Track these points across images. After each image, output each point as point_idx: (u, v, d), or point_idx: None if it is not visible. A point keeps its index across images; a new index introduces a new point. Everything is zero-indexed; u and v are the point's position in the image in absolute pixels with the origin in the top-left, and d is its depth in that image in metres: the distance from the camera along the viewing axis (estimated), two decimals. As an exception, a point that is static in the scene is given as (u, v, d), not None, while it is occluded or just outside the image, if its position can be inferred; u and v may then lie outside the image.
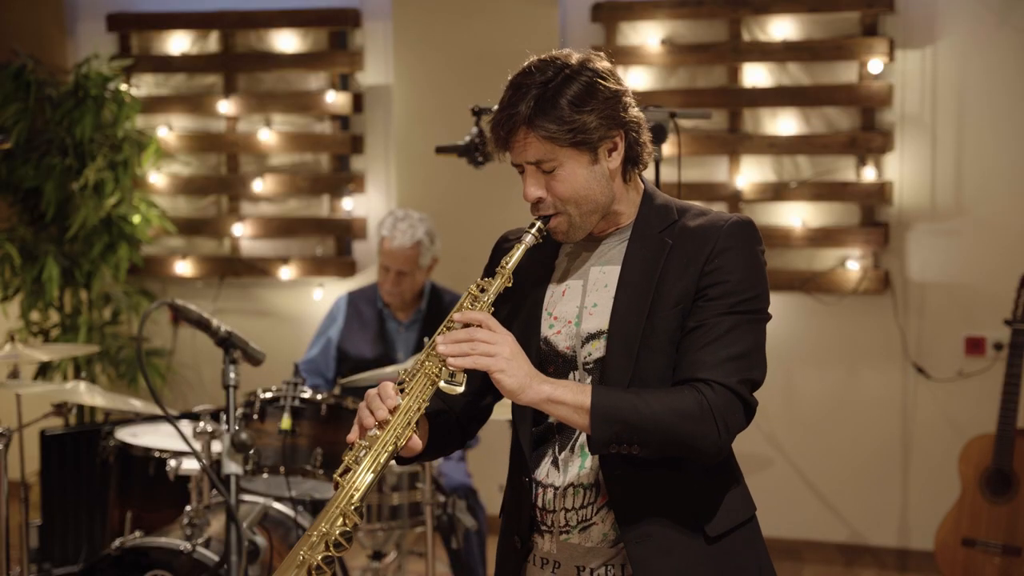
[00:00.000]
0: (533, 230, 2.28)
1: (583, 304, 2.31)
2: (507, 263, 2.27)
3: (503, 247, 2.42)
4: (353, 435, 2.20)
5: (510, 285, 2.27)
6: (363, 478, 2.15)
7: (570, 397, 2.16)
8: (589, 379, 2.28)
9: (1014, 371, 4.69)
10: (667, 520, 2.25)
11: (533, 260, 2.33)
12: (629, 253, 2.30)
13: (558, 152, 2.22)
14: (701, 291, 2.23)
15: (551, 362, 2.32)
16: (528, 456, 2.34)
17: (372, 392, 2.20)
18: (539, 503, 2.33)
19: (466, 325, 2.19)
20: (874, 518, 5.48)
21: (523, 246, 2.27)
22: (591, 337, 2.28)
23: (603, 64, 2.27)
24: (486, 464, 5.12)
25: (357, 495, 2.14)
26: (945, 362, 5.32)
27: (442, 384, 2.17)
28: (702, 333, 2.21)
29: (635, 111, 2.29)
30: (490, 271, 2.42)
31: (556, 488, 2.30)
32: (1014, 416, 4.70)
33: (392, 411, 2.17)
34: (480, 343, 2.14)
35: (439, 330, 2.23)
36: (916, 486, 5.41)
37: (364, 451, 2.16)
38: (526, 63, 2.27)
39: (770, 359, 2.30)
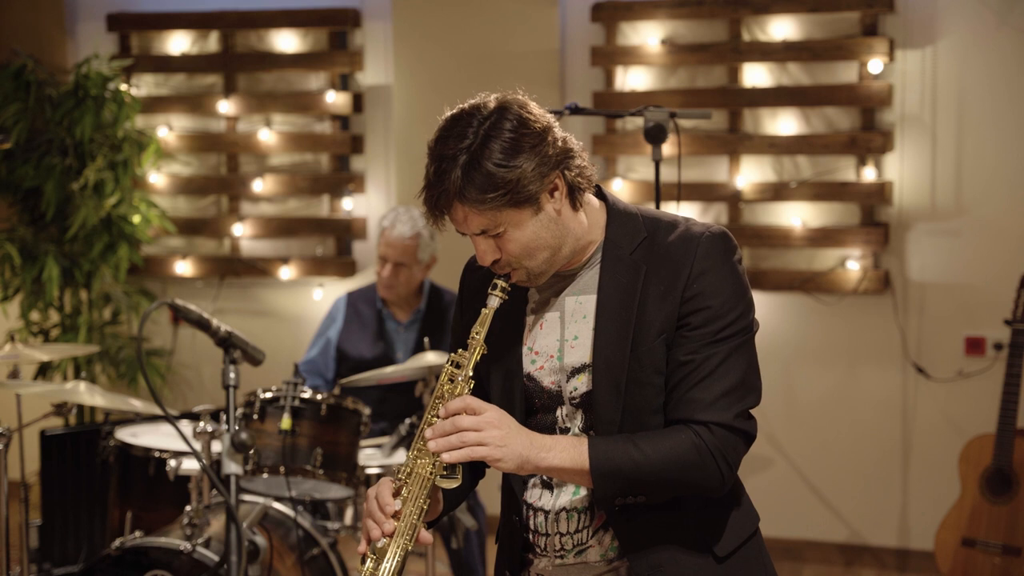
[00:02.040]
0: (497, 291, 2.21)
1: (563, 337, 2.26)
2: (478, 332, 2.21)
3: (473, 276, 2.38)
4: (363, 547, 2.19)
5: (486, 353, 2.22)
6: None
7: (569, 462, 2.14)
8: (579, 413, 2.25)
9: (1014, 371, 4.69)
10: (675, 547, 2.22)
11: (507, 293, 2.27)
12: (603, 281, 2.23)
13: (499, 217, 2.14)
14: (684, 319, 2.17)
15: (536, 397, 2.28)
16: (518, 487, 2.31)
17: (372, 496, 2.19)
18: (531, 525, 2.30)
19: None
20: (874, 518, 5.48)
21: (490, 311, 2.22)
22: (576, 371, 2.24)
23: (523, 109, 2.16)
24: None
25: None
26: (945, 362, 5.32)
27: (438, 481, 2.16)
28: (692, 369, 2.16)
29: (565, 141, 2.19)
30: (461, 303, 2.40)
31: (547, 512, 2.27)
32: (1014, 416, 4.70)
33: (396, 515, 2.17)
34: (468, 432, 2.11)
35: (425, 420, 2.21)
36: (916, 486, 5.41)
37: (376, 564, 2.17)
38: (441, 123, 2.18)
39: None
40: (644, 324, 2.19)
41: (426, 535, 2.19)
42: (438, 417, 2.17)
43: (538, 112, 2.18)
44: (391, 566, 2.16)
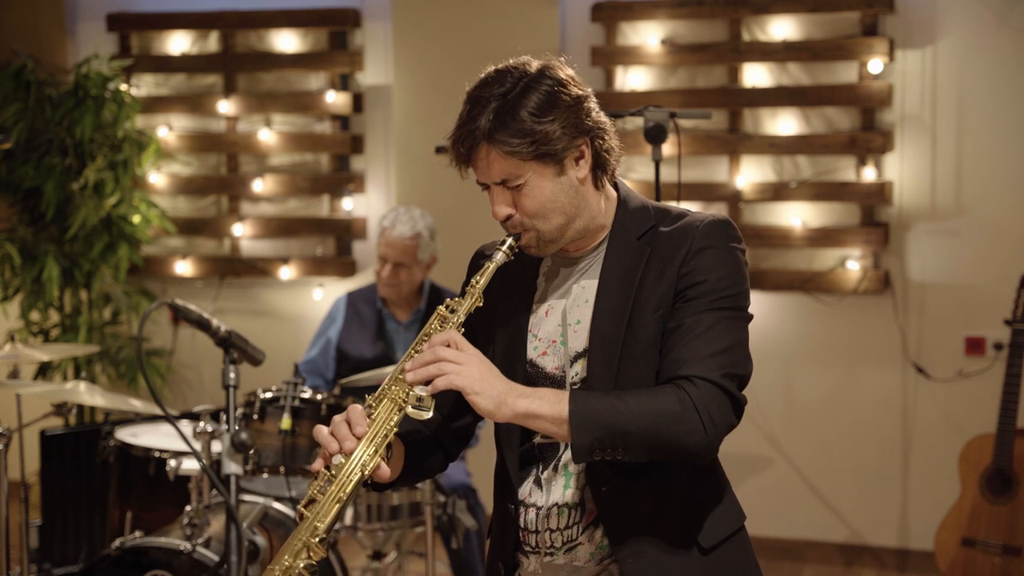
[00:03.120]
0: (504, 247, 2.21)
1: (566, 322, 2.26)
2: (477, 282, 2.21)
3: (479, 263, 2.36)
4: (318, 464, 2.15)
5: (481, 304, 2.21)
6: (328, 509, 2.10)
7: (547, 409, 2.10)
8: None
9: (1014, 371, 4.69)
10: (659, 535, 2.21)
11: (513, 281, 2.27)
12: (607, 263, 2.24)
13: (522, 167, 2.15)
14: (680, 292, 2.18)
15: (538, 385, 2.26)
16: (514, 478, 2.30)
17: (338, 418, 2.15)
18: (522, 523, 2.29)
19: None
20: (874, 518, 5.48)
21: (493, 264, 2.21)
22: (579, 356, 2.23)
23: (564, 71, 2.20)
24: (486, 464, 5.11)
25: (322, 527, 2.10)
26: (945, 362, 5.32)
27: (409, 410, 2.12)
28: (683, 331, 2.15)
29: (599, 115, 2.22)
30: (465, 288, 2.37)
31: (539, 508, 2.27)
32: (1014, 416, 4.70)
33: (359, 438, 2.12)
34: (446, 363, 2.08)
35: (407, 354, 2.18)
36: (916, 486, 5.41)
37: (329, 481, 2.12)
38: (483, 74, 2.21)
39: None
40: (641, 301, 2.19)
41: (385, 469, 2.14)
42: (420, 352, 2.15)
43: (578, 79, 2.22)
44: (342, 487, 2.11)
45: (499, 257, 2.22)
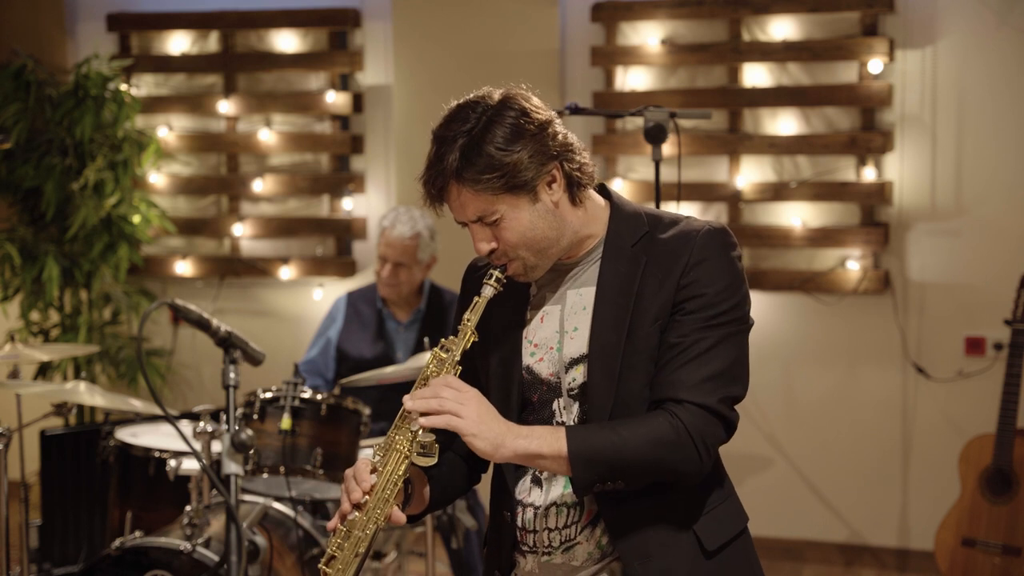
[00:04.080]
0: (492, 280, 2.23)
1: (563, 328, 2.27)
2: (469, 319, 2.22)
3: (474, 276, 2.38)
4: (334, 522, 2.20)
5: (476, 340, 2.23)
6: (348, 563, 2.17)
7: (547, 448, 2.13)
8: (576, 405, 2.25)
9: (1014, 371, 4.69)
10: (664, 538, 2.22)
11: (507, 288, 2.27)
12: (603, 272, 2.25)
13: (495, 202, 2.17)
14: (678, 305, 2.19)
15: (534, 390, 2.29)
16: (510, 481, 2.32)
17: (348, 473, 2.20)
18: (519, 523, 2.30)
19: None
20: (874, 518, 5.48)
21: (483, 299, 2.23)
22: (574, 362, 2.24)
23: (526, 100, 2.21)
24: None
25: None
26: (945, 362, 5.32)
27: (415, 458, 2.16)
28: (681, 351, 2.17)
29: (566, 137, 2.23)
30: (463, 301, 2.39)
31: (537, 507, 2.28)
32: (1014, 416, 4.70)
33: (369, 492, 2.17)
34: (447, 400, 2.12)
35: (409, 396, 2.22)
36: (916, 486, 5.41)
37: (345, 536, 2.18)
38: (447, 111, 2.22)
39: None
40: (641, 311, 2.20)
41: (399, 514, 2.18)
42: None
43: (540, 105, 2.23)
44: (359, 536, 2.16)
45: (488, 291, 2.23)
